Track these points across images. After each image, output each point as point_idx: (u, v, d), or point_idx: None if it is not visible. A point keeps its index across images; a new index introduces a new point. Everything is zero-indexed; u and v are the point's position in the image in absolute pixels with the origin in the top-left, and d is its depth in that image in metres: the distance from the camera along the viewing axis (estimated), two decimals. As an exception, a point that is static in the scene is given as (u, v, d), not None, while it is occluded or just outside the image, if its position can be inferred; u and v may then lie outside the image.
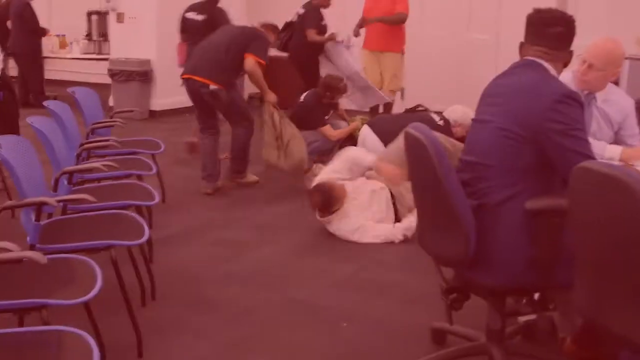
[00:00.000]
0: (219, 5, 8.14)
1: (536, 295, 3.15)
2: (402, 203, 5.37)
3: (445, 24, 10.51)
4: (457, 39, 10.45)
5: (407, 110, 9.49)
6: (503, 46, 9.27)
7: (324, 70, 8.37)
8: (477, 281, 3.04)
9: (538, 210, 2.84)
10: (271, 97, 6.64)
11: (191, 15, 8.11)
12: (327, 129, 7.14)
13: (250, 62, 6.28)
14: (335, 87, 7.29)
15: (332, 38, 8.40)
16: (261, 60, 6.34)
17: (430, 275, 3.50)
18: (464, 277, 3.12)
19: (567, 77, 3.81)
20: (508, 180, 2.95)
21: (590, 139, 3.71)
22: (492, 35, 9.83)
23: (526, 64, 3.13)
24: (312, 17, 8.55)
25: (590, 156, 2.86)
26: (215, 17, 7.89)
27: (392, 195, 5.40)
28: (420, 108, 9.34)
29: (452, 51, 10.45)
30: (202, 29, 7.69)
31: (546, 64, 3.09)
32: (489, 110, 3.13)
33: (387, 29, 8.77)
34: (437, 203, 3.00)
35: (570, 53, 3.14)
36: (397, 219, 5.35)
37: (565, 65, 3.16)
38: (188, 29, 8.15)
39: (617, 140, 4.17)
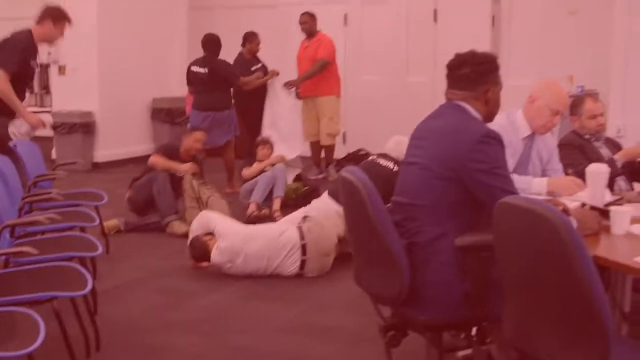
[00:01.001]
0: (220, 57, 8.61)
1: (474, 330, 3.25)
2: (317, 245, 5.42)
3: (383, 68, 10.73)
4: (395, 83, 10.67)
5: (349, 155, 9.70)
6: (440, 88, 9.48)
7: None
8: (413, 318, 3.13)
9: (467, 246, 2.96)
10: (183, 167, 7.01)
11: (195, 68, 8.54)
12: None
13: None
14: None
15: (272, 75, 8.92)
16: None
17: (371, 316, 3.57)
18: (401, 314, 3.21)
19: (501, 121, 3.98)
20: (436, 218, 3.06)
21: (515, 176, 3.87)
22: (429, 77, 10.06)
23: (447, 107, 3.29)
24: (240, 66, 9.07)
25: (514, 192, 2.99)
26: (216, 69, 8.41)
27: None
28: (362, 152, 9.57)
29: (391, 94, 10.67)
30: (205, 81, 8.33)
31: (465, 105, 3.23)
32: (417, 153, 3.25)
33: (318, 75, 9.07)
34: (372, 243, 3.09)
35: (486, 91, 3.23)
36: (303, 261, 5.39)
37: (487, 102, 3.26)
38: (193, 81, 8.61)
39: (542, 174, 4.32)
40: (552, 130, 4.29)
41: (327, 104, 9.25)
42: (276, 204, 7.27)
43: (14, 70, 5.87)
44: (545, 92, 4.16)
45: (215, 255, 5.37)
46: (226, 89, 8.56)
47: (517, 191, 3.05)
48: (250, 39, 9.28)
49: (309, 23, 9.31)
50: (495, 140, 3.08)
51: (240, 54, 9.30)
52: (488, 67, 3.27)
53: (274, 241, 5.36)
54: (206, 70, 8.43)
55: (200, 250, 5.45)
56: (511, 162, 4.09)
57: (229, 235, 5.36)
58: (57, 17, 6.29)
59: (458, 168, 3.04)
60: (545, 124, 4.15)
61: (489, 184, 3.01)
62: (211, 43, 8.55)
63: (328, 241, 5.44)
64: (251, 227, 5.61)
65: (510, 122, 4.16)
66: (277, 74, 8.96)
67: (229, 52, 9.51)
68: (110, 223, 6.60)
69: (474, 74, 3.23)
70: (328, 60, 9.13)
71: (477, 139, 3.04)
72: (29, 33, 6.22)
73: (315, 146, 9.49)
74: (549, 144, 4.38)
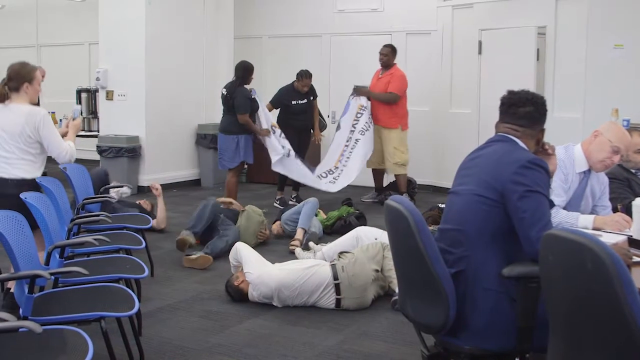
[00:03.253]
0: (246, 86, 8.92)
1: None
2: (351, 285, 5.33)
3: (427, 99, 10.79)
4: (439, 113, 10.71)
5: (391, 183, 9.82)
6: (483, 119, 9.53)
7: None
8: (457, 347, 3.14)
9: (515, 277, 2.97)
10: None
11: (223, 90, 8.99)
12: None
13: None
14: None
15: (264, 133, 9.11)
16: None
17: (413, 345, 3.60)
18: (444, 344, 3.22)
19: (560, 155, 4.06)
20: (481, 243, 3.09)
21: (562, 211, 3.89)
22: (473, 109, 10.08)
23: (498, 139, 3.33)
24: (283, 94, 9.66)
25: (542, 218, 3.00)
26: (232, 95, 8.78)
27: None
28: (406, 180, 9.68)
29: (435, 125, 10.73)
30: (225, 103, 8.92)
31: (516, 139, 3.28)
32: (463, 181, 3.29)
33: (386, 106, 9.45)
34: (418, 272, 3.11)
35: (542, 131, 3.32)
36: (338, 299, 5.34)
37: (538, 142, 3.33)
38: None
39: (591, 211, 4.33)
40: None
41: (389, 135, 9.56)
42: (298, 233, 7.25)
43: None
44: (611, 128, 4.24)
45: (252, 298, 5.44)
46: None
47: (546, 216, 3.04)
48: (299, 77, 9.60)
49: (389, 56, 9.63)
50: (539, 166, 3.11)
51: (292, 84, 9.65)
52: (544, 109, 3.36)
53: (304, 286, 5.31)
54: (226, 93, 8.85)
55: (236, 295, 5.50)
56: (565, 197, 4.12)
57: (258, 286, 5.39)
58: None
59: (502, 191, 3.08)
60: (603, 160, 4.18)
61: (520, 207, 3.03)
62: (239, 70, 8.89)
63: (364, 278, 5.36)
64: (281, 269, 5.51)
65: (567, 156, 4.20)
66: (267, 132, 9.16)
67: (273, 80, 9.74)
68: (200, 259, 6.55)
69: (537, 112, 3.32)
70: (398, 95, 9.44)
71: (521, 163, 3.09)
72: None
73: (377, 173, 9.96)
74: (602, 180, 4.39)
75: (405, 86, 9.48)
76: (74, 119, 5.65)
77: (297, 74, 9.56)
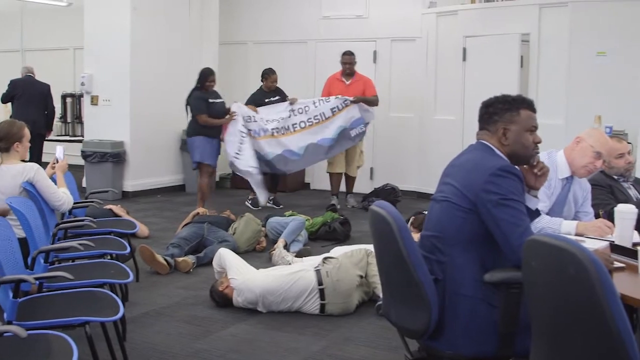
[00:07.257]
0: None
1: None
2: (336, 290, 5.33)
3: (411, 105, 10.83)
4: (423, 120, 10.74)
5: (376, 190, 9.87)
6: (467, 126, 9.55)
7: None
8: (440, 352, 3.16)
9: (496, 282, 3.00)
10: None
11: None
12: None
13: None
14: None
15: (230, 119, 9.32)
16: None
17: (397, 350, 3.61)
18: (428, 348, 3.24)
19: (561, 160, 4.20)
20: (458, 249, 3.13)
21: (546, 217, 3.92)
22: (457, 115, 10.12)
23: (475, 145, 3.40)
24: (255, 97, 9.80)
25: (521, 225, 3.04)
26: (188, 100, 8.96)
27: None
28: (388, 187, 9.75)
29: (419, 131, 10.77)
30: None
31: (489, 144, 3.33)
32: (441, 189, 3.33)
33: None
34: (401, 277, 3.14)
35: (497, 130, 3.31)
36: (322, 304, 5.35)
37: (501, 140, 3.32)
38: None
39: (574, 217, 4.36)
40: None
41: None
42: (279, 243, 7.15)
43: None
44: (592, 134, 4.30)
45: (237, 303, 5.44)
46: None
47: (524, 223, 3.07)
48: (265, 76, 9.85)
49: (354, 63, 9.78)
50: (511, 173, 3.13)
51: (260, 88, 9.85)
52: (500, 107, 3.34)
53: (289, 291, 5.32)
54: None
55: (221, 301, 5.50)
56: (548, 203, 4.16)
57: (243, 291, 5.39)
58: None
59: (474, 200, 3.11)
60: (586, 165, 4.23)
61: (496, 215, 3.06)
62: (199, 75, 9.14)
63: (348, 284, 5.36)
64: (266, 275, 5.52)
65: (550, 162, 4.22)
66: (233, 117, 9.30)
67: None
68: (186, 261, 6.58)
69: (485, 114, 3.38)
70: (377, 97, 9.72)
71: (492, 172, 3.12)
72: None
73: (338, 177, 9.99)
74: (584, 187, 4.43)
75: None
76: (57, 161, 5.65)
77: (263, 74, 9.84)
